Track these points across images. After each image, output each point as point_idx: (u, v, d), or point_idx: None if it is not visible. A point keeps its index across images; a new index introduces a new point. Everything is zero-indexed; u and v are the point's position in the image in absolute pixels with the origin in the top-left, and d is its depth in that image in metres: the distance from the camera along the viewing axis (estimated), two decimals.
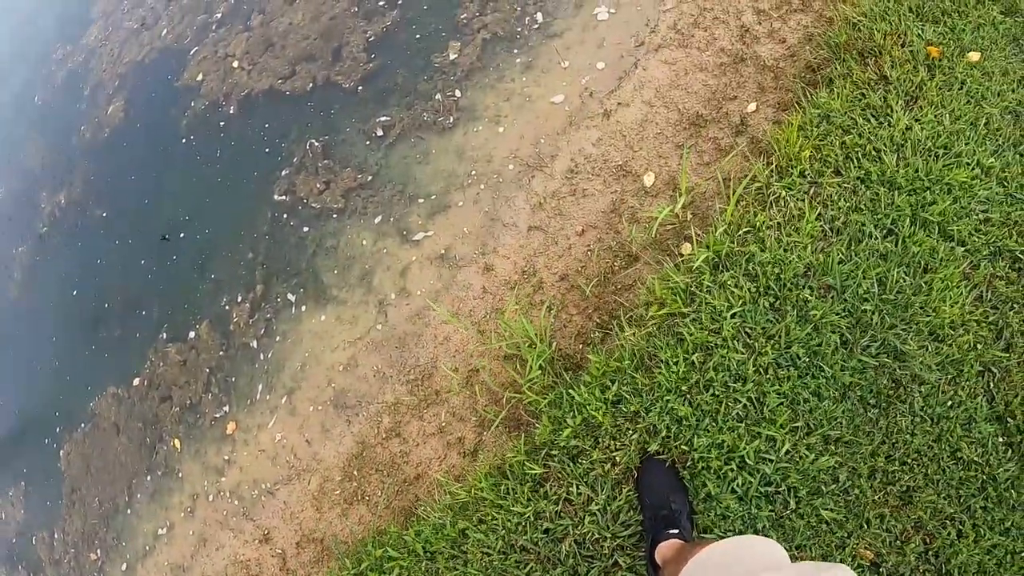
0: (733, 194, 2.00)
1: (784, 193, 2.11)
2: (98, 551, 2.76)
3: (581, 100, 2.53)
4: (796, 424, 1.84)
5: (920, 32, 2.29)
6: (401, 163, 2.62)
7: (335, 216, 2.64)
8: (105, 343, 3.02)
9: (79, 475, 2.87)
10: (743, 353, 1.87)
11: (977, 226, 2.00)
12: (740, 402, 1.82)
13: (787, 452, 1.81)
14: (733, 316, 1.89)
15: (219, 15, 3.48)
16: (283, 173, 2.81)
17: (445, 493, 2.01)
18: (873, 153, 2.13)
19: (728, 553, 1.11)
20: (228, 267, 2.78)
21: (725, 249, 1.98)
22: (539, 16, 2.78)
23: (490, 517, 1.87)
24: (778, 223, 2.08)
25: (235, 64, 3.24)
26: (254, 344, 2.61)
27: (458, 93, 2.66)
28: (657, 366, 1.87)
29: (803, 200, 2.09)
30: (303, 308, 2.57)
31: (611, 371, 1.87)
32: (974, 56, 2.25)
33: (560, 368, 2.03)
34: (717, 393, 1.83)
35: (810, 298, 1.94)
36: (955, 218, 2.00)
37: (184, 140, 3.18)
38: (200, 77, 3.31)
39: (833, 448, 1.85)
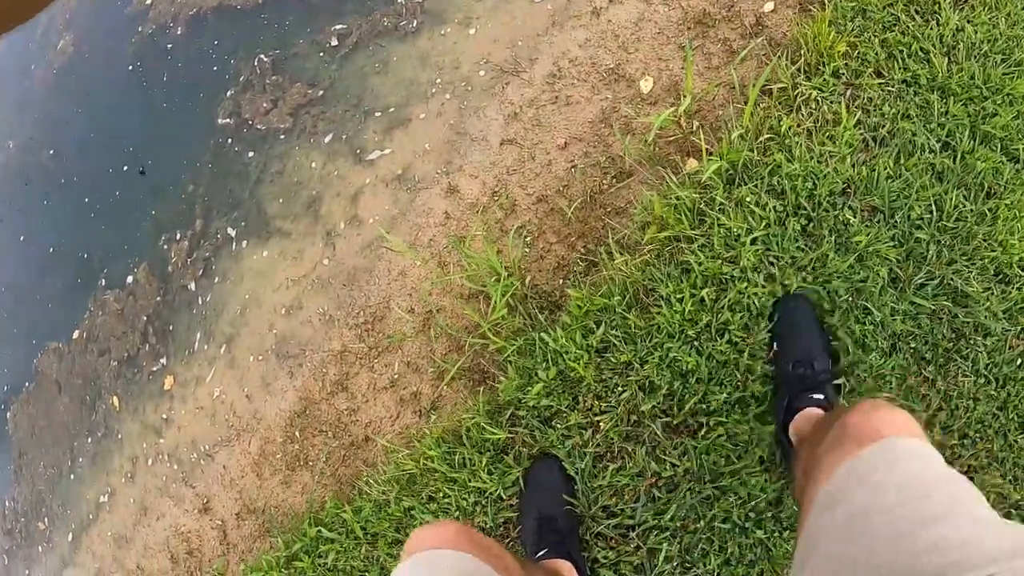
0: (753, 88, 1.41)
1: (815, 94, 1.54)
2: (45, 520, 2.32)
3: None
4: (836, 382, 1.29)
5: None
6: (357, 74, 2.05)
7: (282, 137, 2.09)
8: (49, 292, 2.53)
9: (26, 438, 2.42)
10: (767, 287, 1.31)
11: None
12: None
13: None
14: (754, 241, 1.34)
15: None
16: (228, 94, 2.25)
17: (390, 462, 1.50)
18: (920, 53, 1.59)
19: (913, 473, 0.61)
20: (169, 202, 2.25)
21: (742, 158, 1.41)
22: None
23: (441, 494, 1.37)
24: (808, 129, 1.53)
25: None
26: (192, 286, 2.10)
27: None
28: (656, 304, 1.32)
29: (839, 103, 1.54)
30: (244, 244, 2.04)
31: (596, 310, 1.33)
32: None
33: (534, 308, 1.49)
34: (734, 339, 1.28)
35: (852, 221, 1.39)
36: (1019, 136, 1.48)
37: (131, 68, 2.63)
38: (149, 0, 2.73)
39: None
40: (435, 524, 0.71)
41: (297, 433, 1.83)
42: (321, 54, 2.13)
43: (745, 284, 1.29)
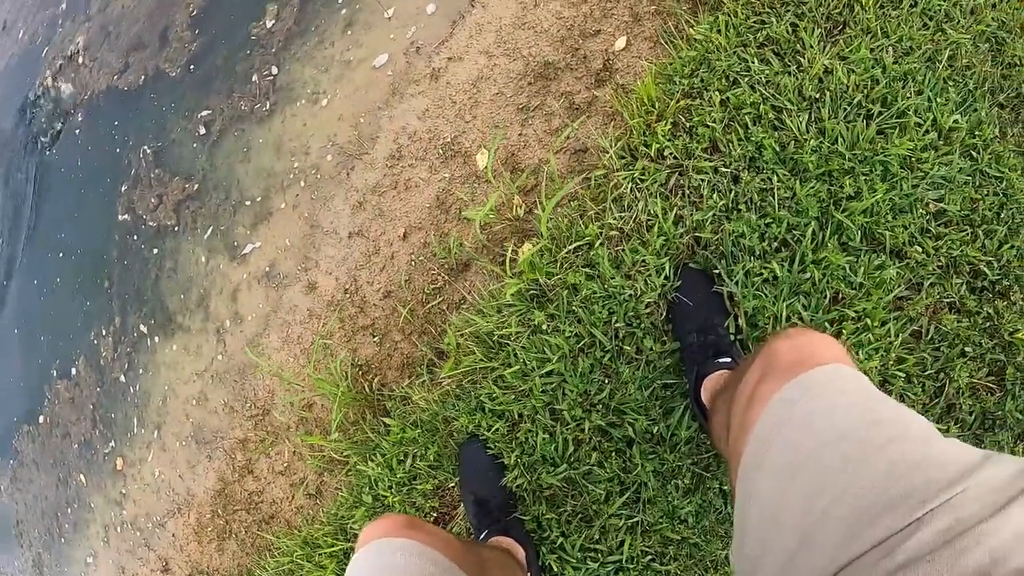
0: (549, 198, 1.36)
1: (630, 187, 1.37)
2: None
3: (407, 59, 1.88)
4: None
5: None
6: (225, 164, 2.08)
7: (171, 234, 2.18)
8: (17, 374, 2.77)
9: (21, 508, 2.73)
10: (554, 427, 1.29)
11: (924, 226, 1.26)
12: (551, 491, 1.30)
13: None
14: (549, 374, 1.29)
15: (63, 6, 2.86)
16: (123, 189, 2.33)
17: (276, 553, 1.68)
18: (771, 115, 1.34)
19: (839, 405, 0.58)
20: (92, 297, 2.40)
21: (542, 277, 1.34)
22: None
23: None
24: (620, 232, 1.36)
25: (80, 61, 2.67)
26: (122, 379, 2.28)
27: (275, 70, 2.05)
28: (452, 434, 1.38)
29: (657, 197, 1.35)
30: (155, 339, 2.18)
31: (408, 440, 1.40)
32: None
33: (380, 412, 1.59)
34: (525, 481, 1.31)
35: (653, 347, 1.28)
36: (890, 215, 1.25)
37: (47, 152, 2.72)
38: (50, 80, 2.78)
39: None
40: (380, 518, 0.76)
41: (220, 509, 2.03)
42: (194, 144, 2.16)
43: (532, 425, 1.27)
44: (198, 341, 2.07)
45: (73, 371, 2.45)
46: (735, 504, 0.63)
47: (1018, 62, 1.39)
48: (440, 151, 1.75)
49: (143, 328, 2.21)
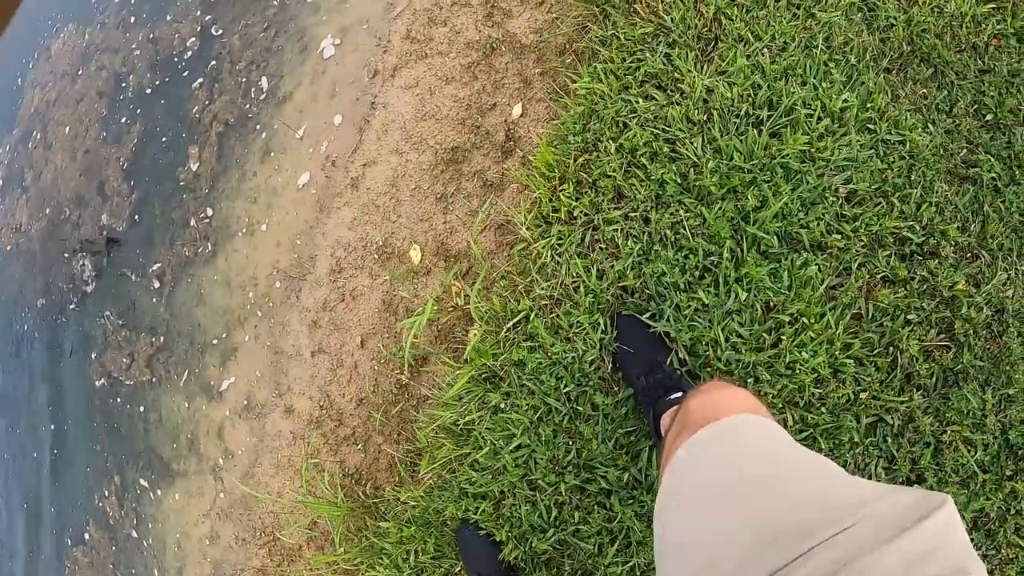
0: (472, 285, 1.48)
1: (550, 254, 1.45)
2: None
3: (326, 174, 2.01)
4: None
5: None
6: (183, 312, 2.20)
7: (149, 387, 2.28)
8: (28, 549, 2.84)
9: None
10: (532, 503, 1.38)
11: (838, 211, 1.31)
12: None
13: None
14: (517, 448, 1.39)
15: None
16: (94, 355, 2.44)
17: None
18: (666, 149, 1.40)
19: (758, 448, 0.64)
20: (89, 462, 2.49)
21: (489, 360, 1.44)
22: (264, 82, 2.20)
23: None
24: (550, 300, 1.44)
25: (28, 234, 2.81)
26: (134, 534, 2.35)
27: (210, 211, 2.17)
28: (445, 523, 1.47)
29: (576, 258, 1.42)
30: (158, 491, 2.27)
31: (407, 538, 1.49)
32: None
33: (379, 516, 1.68)
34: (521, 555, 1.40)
35: (606, 401, 1.36)
36: (802, 211, 1.31)
37: (25, 330, 2.83)
38: (9, 248, 2.90)
39: None
40: None
41: None
42: (152, 299, 2.27)
43: (513, 498, 1.37)
44: (197, 483, 2.15)
45: (86, 536, 2.52)
46: (654, 545, 0.68)
47: (893, 22, 1.42)
48: (376, 256, 1.87)
49: (143, 482, 2.29)
